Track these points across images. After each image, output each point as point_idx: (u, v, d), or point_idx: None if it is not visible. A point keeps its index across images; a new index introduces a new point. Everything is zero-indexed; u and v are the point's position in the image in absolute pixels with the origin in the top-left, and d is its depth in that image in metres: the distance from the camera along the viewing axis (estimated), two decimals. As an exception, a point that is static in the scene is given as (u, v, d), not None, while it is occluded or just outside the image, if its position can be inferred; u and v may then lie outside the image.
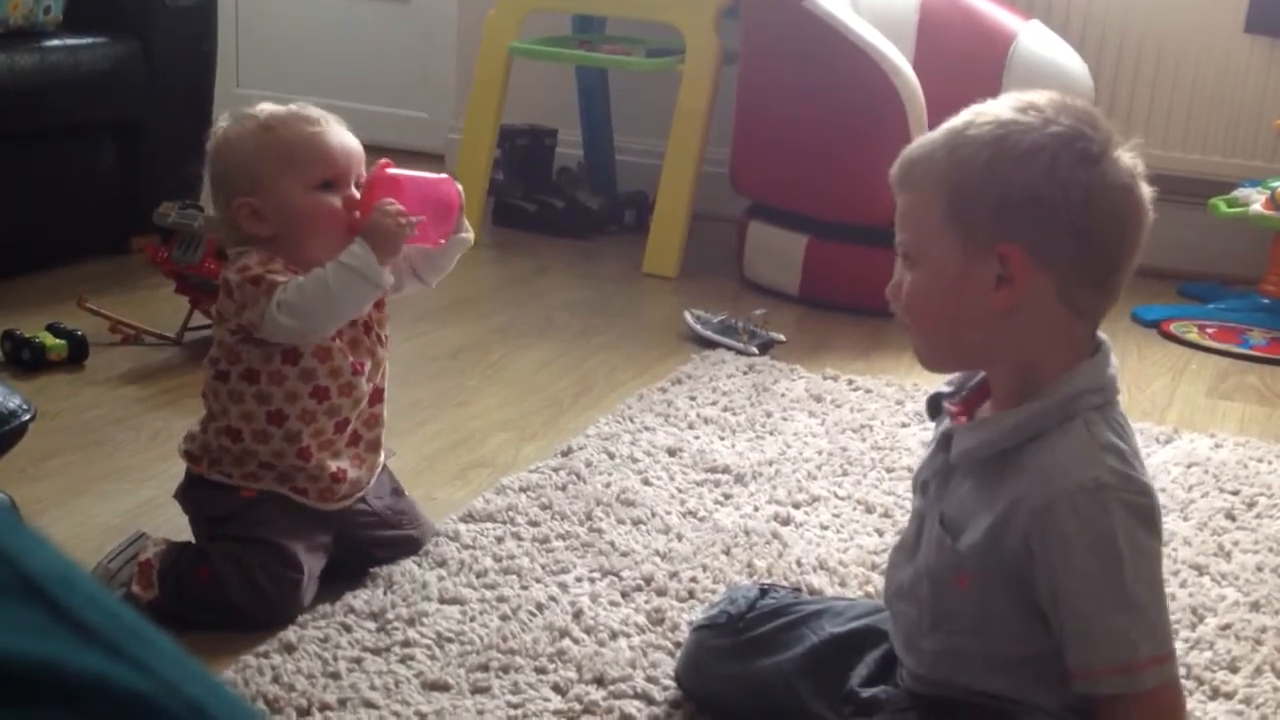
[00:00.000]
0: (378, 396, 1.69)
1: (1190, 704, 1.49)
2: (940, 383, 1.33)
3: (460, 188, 1.69)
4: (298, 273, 1.58)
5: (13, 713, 0.28)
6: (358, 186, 1.62)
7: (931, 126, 3.36)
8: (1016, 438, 1.17)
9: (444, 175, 1.70)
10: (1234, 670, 1.56)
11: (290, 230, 1.60)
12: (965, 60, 3.18)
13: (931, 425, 1.33)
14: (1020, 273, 1.17)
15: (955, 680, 1.23)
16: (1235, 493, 2.07)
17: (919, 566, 1.26)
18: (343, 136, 1.63)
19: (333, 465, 1.64)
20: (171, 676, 0.31)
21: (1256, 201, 2.98)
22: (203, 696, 0.31)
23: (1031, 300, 1.18)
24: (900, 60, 2.86)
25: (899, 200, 1.25)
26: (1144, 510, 1.14)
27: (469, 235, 1.71)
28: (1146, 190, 1.20)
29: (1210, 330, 2.94)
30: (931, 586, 1.24)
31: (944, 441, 1.26)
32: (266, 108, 1.64)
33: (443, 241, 1.67)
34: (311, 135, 1.60)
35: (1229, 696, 1.51)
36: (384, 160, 1.65)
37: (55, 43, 2.82)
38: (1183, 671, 1.55)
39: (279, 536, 1.58)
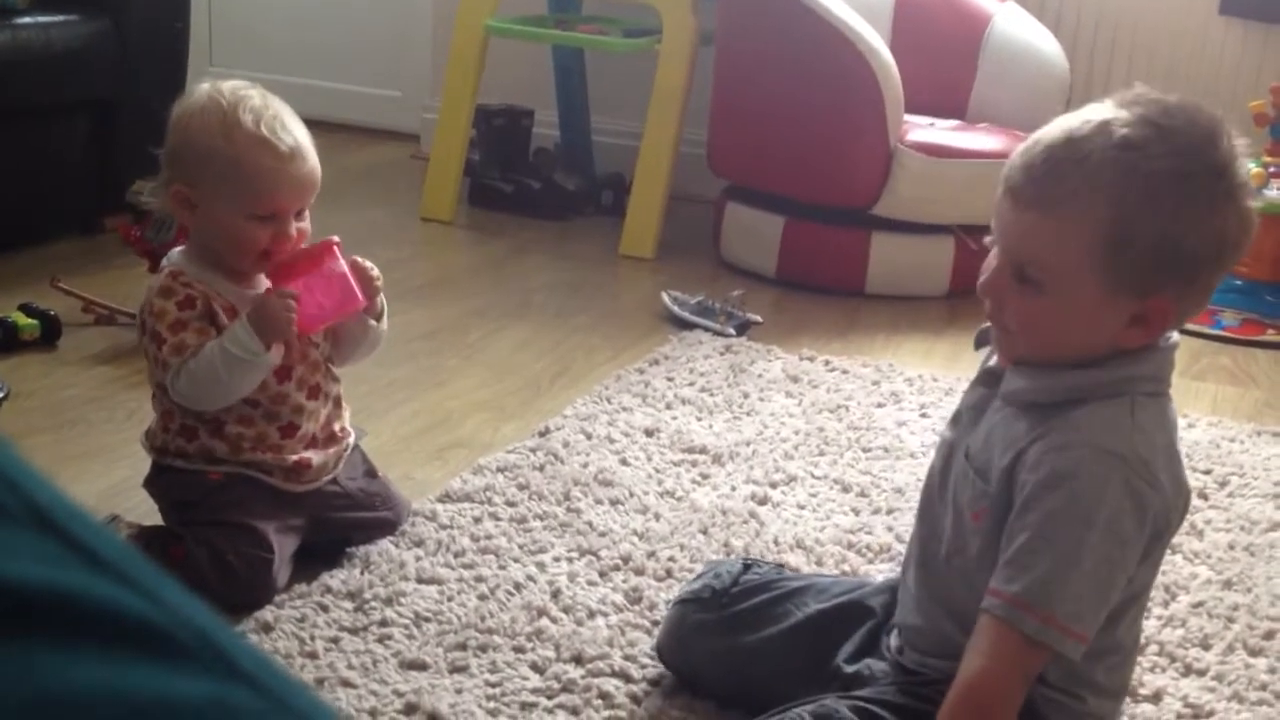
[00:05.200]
0: (315, 393, 1.65)
1: (1163, 681, 1.51)
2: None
3: (383, 305, 1.67)
4: (194, 300, 1.56)
5: (30, 639, 0.28)
6: (300, 216, 1.59)
7: (907, 108, 3.33)
8: (1066, 395, 1.19)
9: (360, 277, 1.61)
10: (1206, 647, 1.58)
11: (212, 239, 1.60)
12: (941, 42, 3.18)
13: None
14: (1159, 318, 1.18)
15: (956, 638, 1.22)
16: (1208, 472, 2.09)
17: (946, 497, 1.27)
18: (300, 171, 1.57)
19: (292, 457, 1.63)
20: (179, 606, 0.31)
21: (1230, 183, 2.99)
22: (208, 625, 0.31)
23: (1164, 326, 1.19)
24: (877, 42, 2.87)
25: (1018, 214, 1.17)
26: (1142, 498, 1.15)
27: (377, 327, 1.68)
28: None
29: (1183, 311, 2.96)
30: (954, 517, 1.25)
31: (986, 377, 1.27)
32: (240, 105, 1.56)
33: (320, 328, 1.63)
34: (267, 170, 1.55)
35: (1201, 673, 1.53)
36: (334, 239, 1.59)
37: (27, 20, 2.79)
38: (1155, 648, 1.56)
39: (249, 518, 1.58)
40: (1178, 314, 1.20)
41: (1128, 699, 1.46)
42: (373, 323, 1.67)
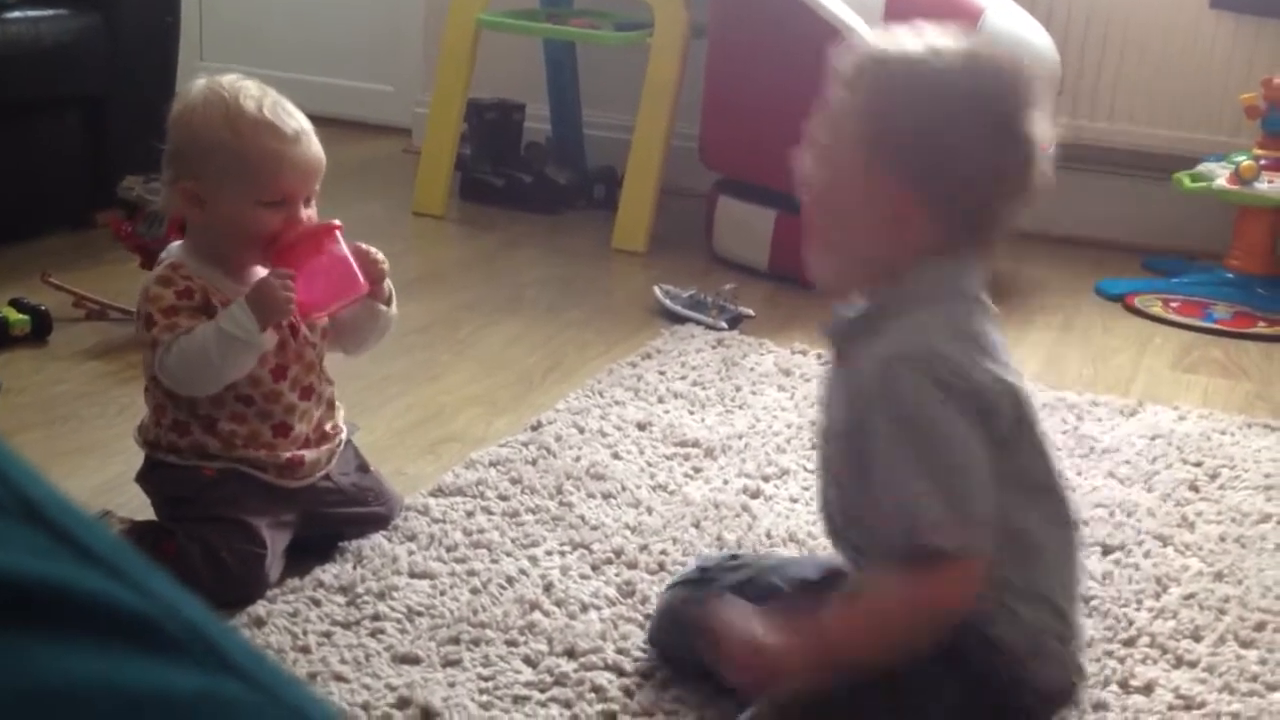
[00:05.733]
0: (308, 394, 1.65)
1: (1154, 673, 1.51)
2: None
3: (390, 290, 1.66)
4: (193, 292, 1.56)
5: (23, 632, 0.28)
6: (308, 204, 1.60)
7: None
8: (867, 321, 1.27)
9: (369, 259, 1.62)
10: (1197, 639, 1.58)
11: (222, 232, 1.59)
12: (933, 35, 3.18)
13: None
14: (918, 221, 1.22)
15: None
16: (1199, 464, 2.09)
17: (824, 474, 1.33)
18: (307, 154, 1.58)
19: (284, 455, 1.63)
20: (171, 600, 0.31)
21: (1220, 176, 3.00)
22: (198, 618, 0.31)
23: (921, 236, 1.23)
24: (869, 35, 2.86)
25: (832, 92, 1.27)
26: (949, 387, 1.19)
27: (387, 311, 1.67)
28: (1048, 164, 1.26)
29: (1174, 304, 2.97)
30: (834, 486, 1.31)
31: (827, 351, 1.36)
32: (241, 94, 1.57)
33: (325, 314, 1.61)
34: (274, 153, 1.55)
35: (1193, 665, 1.53)
36: (336, 222, 1.59)
37: (16, 15, 2.78)
38: (1146, 640, 1.57)
39: (242, 513, 1.57)
40: (946, 231, 1.23)
41: (1119, 689, 1.47)
42: (382, 307, 1.67)
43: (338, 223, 1.60)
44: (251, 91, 1.58)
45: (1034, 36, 3.15)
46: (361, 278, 1.59)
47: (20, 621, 0.28)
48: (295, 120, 1.58)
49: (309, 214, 1.60)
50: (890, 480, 1.19)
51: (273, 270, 1.55)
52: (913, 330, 1.22)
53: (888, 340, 1.22)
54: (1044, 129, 1.23)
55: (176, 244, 1.65)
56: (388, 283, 1.67)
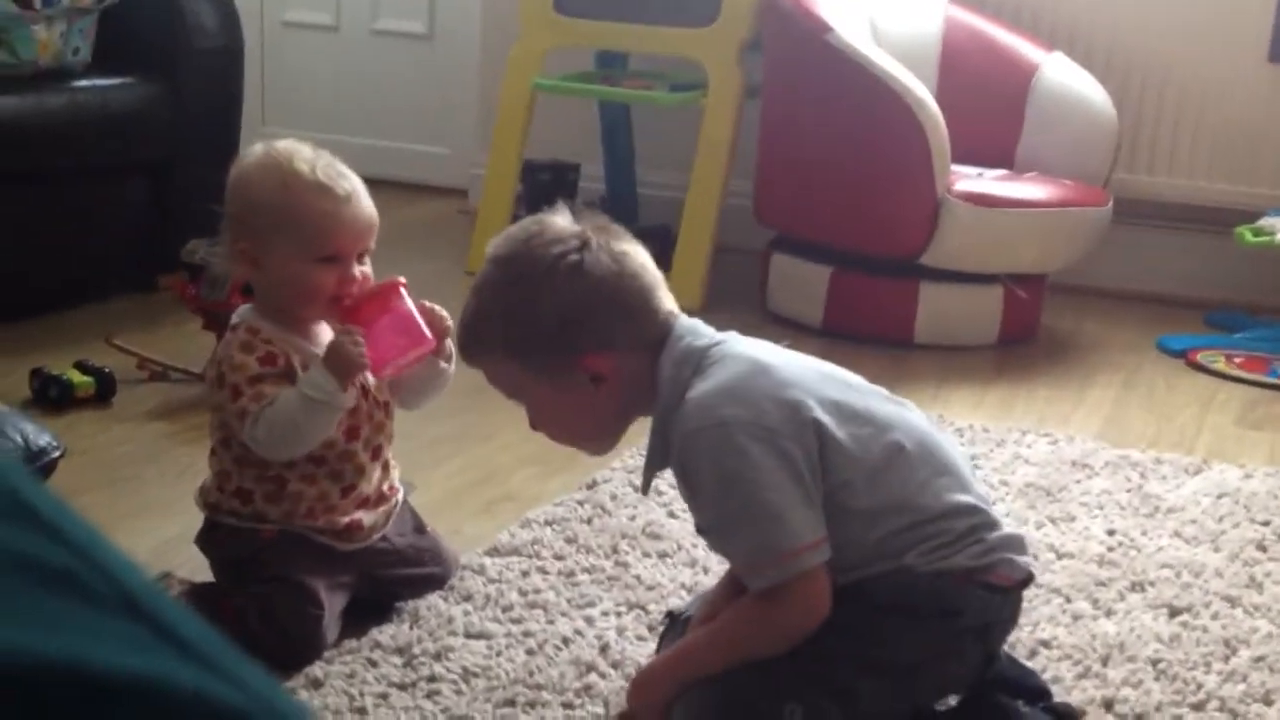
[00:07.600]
0: (377, 454, 1.67)
1: (1225, 738, 1.47)
2: None
3: (451, 348, 1.66)
4: (276, 358, 1.58)
5: None
6: (362, 260, 1.62)
7: (954, 158, 3.35)
8: (655, 434, 1.42)
9: (435, 319, 1.64)
10: (1268, 703, 1.54)
11: (281, 291, 1.62)
12: (988, 91, 3.18)
13: None
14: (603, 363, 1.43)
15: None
16: (1266, 523, 2.05)
17: None
18: (357, 212, 1.61)
19: (344, 519, 1.64)
20: (262, 690, 0.32)
21: (1283, 230, 2.96)
22: (291, 710, 0.32)
23: (620, 370, 1.43)
24: (923, 92, 2.87)
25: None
26: (751, 429, 1.32)
27: (447, 369, 1.69)
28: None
29: (1238, 360, 2.92)
30: None
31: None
32: (295, 157, 1.60)
33: (397, 365, 1.62)
34: (324, 213, 1.58)
35: (1264, 730, 1.49)
36: (400, 280, 1.62)
37: (84, 84, 2.85)
38: (1216, 704, 1.53)
39: (300, 575, 1.58)
40: (627, 346, 1.46)
41: None
42: (443, 364, 1.69)
43: (402, 280, 1.62)
44: (305, 155, 1.62)
45: (1091, 91, 3.14)
46: (429, 333, 1.61)
47: (115, 715, 0.29)
48: (347, 181, 1.62)
49: (364, 270, 1.62)
50: (725, 531, 1.38)
51: (342, 329, 1.57)
52: (694, 409, 1.36)
53: (678, 426, 1.37)
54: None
55: (246, 306, 1.67)
56: (448, 341, 1.69)
